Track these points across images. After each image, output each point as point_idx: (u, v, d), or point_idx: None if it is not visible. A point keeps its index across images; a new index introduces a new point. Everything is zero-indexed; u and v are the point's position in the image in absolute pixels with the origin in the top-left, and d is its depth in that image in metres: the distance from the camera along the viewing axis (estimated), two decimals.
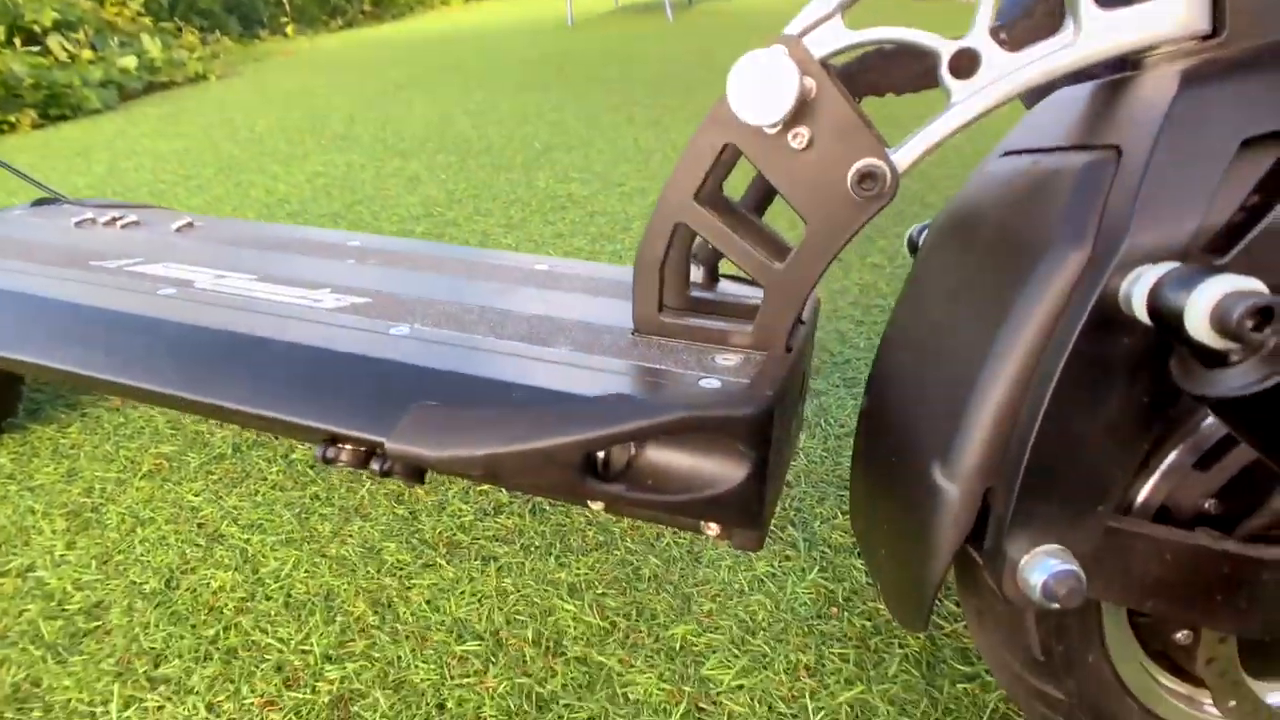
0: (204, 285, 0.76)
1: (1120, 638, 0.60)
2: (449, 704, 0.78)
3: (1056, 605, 0.47)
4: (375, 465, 0.56)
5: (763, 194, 0.67)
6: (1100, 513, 0.48)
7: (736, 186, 0.65)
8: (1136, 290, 0.40)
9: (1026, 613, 0.57)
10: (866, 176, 0.51)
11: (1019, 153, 0.57)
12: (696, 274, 0.75)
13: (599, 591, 0.90)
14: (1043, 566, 0.48)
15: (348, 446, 0.59)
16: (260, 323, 0.66)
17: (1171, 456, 0.52)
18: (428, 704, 0.78)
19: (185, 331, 0.64)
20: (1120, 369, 0.44)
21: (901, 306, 0.65)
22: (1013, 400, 0.48)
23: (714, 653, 0.82)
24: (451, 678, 0.80)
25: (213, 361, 0.62)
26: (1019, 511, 0.48)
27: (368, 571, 0.95)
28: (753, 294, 0.71)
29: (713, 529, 0.57)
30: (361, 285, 0.78)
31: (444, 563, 0.96)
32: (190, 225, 0.99)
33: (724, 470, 0.54)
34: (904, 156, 0.53)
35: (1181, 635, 0.60)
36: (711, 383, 0.58)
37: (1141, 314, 0.40)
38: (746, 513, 0.54)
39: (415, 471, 0.60)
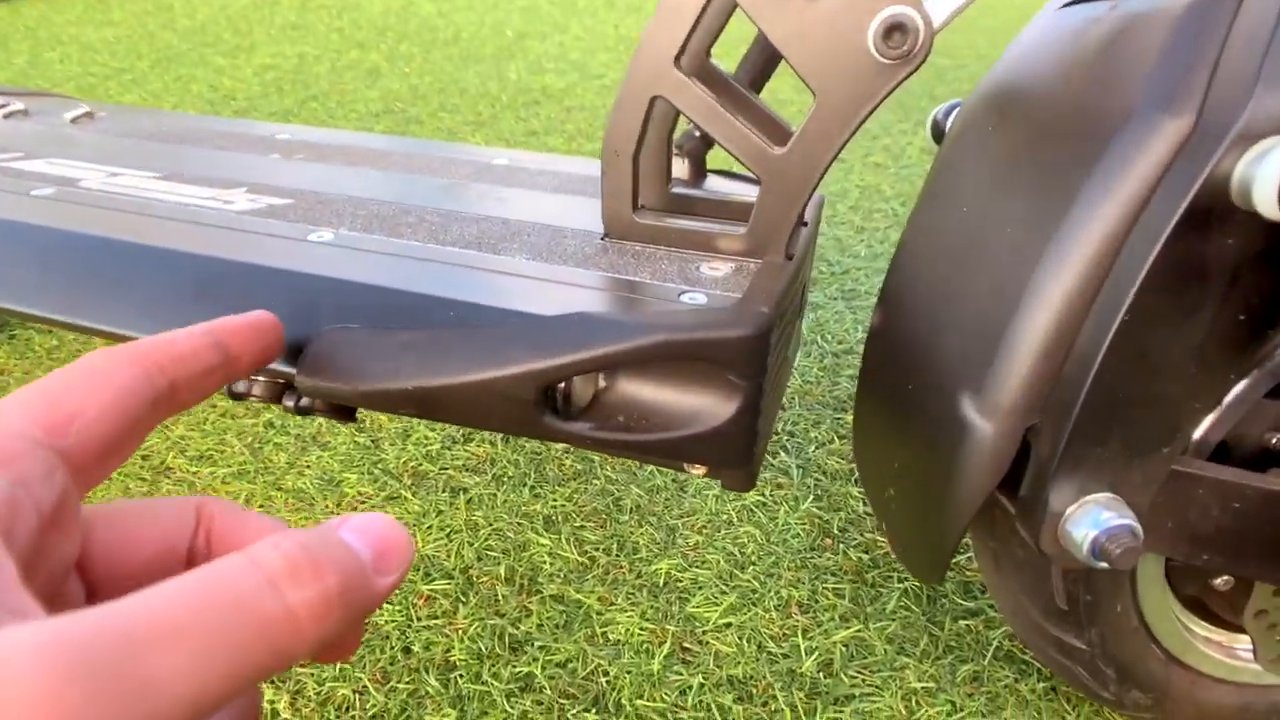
0: (91, 185, 0.64)
1: (1153, 585, 0.54)
2: (415, 647, 0.72)
3: (1105, 565, 0.40)
4: (289, 402, 0.47)
5: (761, 63, 0.55)
6: (1165, 455, 0.40)
7: (728, 59, 0.53)
8: (1262, 173, 0.30)
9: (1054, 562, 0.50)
10: (894, 29, 0.40)
11: None
12: (680, 168, 0.64)
13: (577, 524, 0.84)
14: (1092, 520, 0.40)
15: (259, 379, 0.49)
16: (150, 228, 0.55)
17: (1241, 386, 0.44)
18: (393, 647, 0.72)
19: (54, 239, 0.53)
20: (1219, 277, 0.35)
21: (924, 205, 0.54)
22: (1070, 319, 0.39)
23: (700, 589, 0.76)
24: (418, 619, 0.74)
25: (86, 276, 0.51)
26: (1069, 455, 0.39)
27: (327, 505, 0.87)
28: (746, 190, 0.60)
29: (697, 469, 0.48)
30: (284, 184, 0.65)
31: (409, 495, 0.89)
32: (89, 116, 0.85)
33: (710, 404, 0.44)
34: (940, 6, 0.42)
35: (1220, 582, 0.53)
36: (696, 297, 0.47)
37: (1266, 205, 0.30)
38: (736, 452, 0.44)
39: (341, 408, 0.50)
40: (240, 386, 0.50)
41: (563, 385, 0.44)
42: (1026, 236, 0.41)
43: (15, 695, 0.12)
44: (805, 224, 0.56)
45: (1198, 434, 0.44)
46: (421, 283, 0.47)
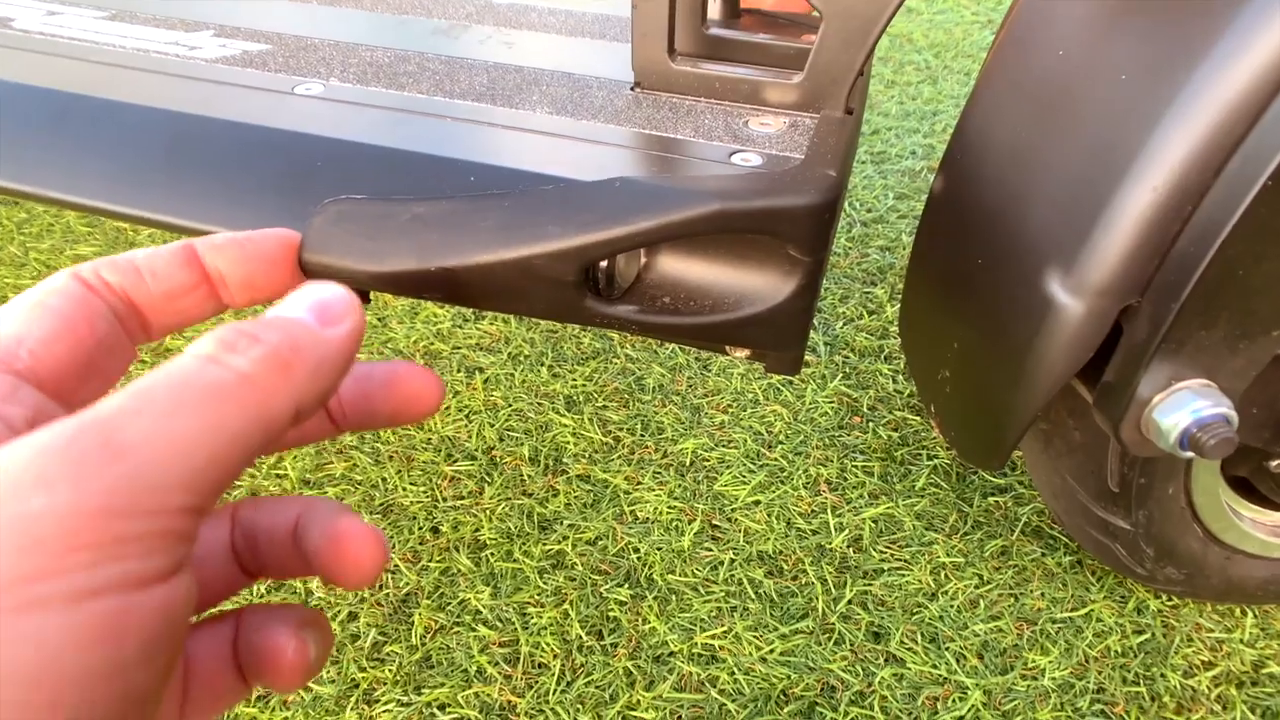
0: (26, 26, 0.55)
1: (1205, 468, 0.52)
2: (443, 527, 0.72)
3: (1192, 455, 0.37)
4: None
5: None
6: (1275, 338, 0.37)
7: None
8: None
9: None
10: None
11: None
12: (714, 6, 0.56)
13: (599, 404, 0.82)
14: (1184, 408, 0.37)
15: None
16: (105, 79, 0.48)
17: None
18: (420, 528, 0.72)
19: None
20: None
21: (1003, 50, 0.47)
22: (1192, 185, 0.34)
23: (727, 468, 0.75)
24: (444, 499, 0.74)
25: (30, 135, 0.44)
26: (1170, 338, 0.36)
27: None
28: (788, 33, 0.52)
29: (742, 352, 0.44)
30: (259, 26, 0.57)
31: None
32: None
33: (766, 282, 0.39)
34: None
35: (1276, 464, 0.52)
36: (749, 158, 0.42)
37: None
38: (792, 335, 0.40)
39: (358, 291, 0.45)
40: None
41: (605, 264, 0.39)
42: (1144, 86, 0.35)
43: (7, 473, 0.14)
44: (862, 74, 0.49)
45: None
46: (432, 143, 0.41)
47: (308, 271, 0.38)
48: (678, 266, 0.40)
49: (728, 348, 0.45)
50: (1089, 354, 0.39)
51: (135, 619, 0.14)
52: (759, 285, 0.39)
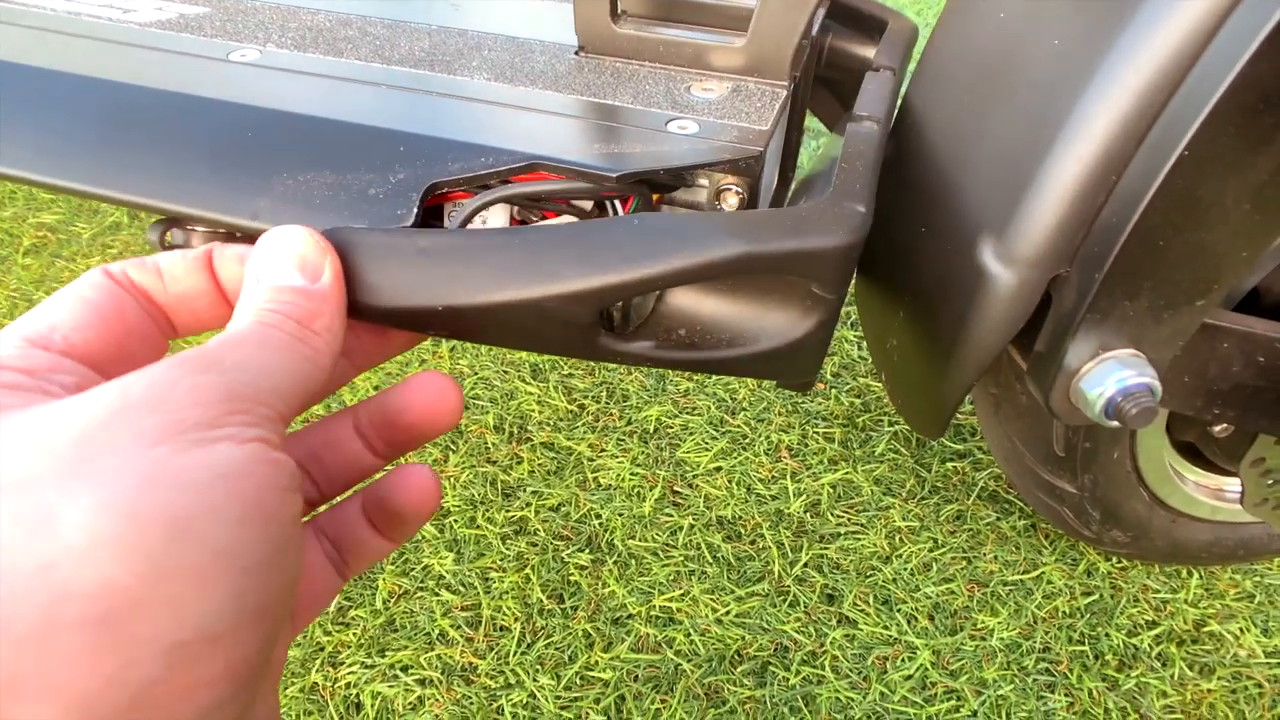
0: None
1: (1151, 434, 0.53)
2: None
3: (1116, 424, 0.38)
4: None
5: None
6: (1199, 308, 0.37)
7: None
8: None
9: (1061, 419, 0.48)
10: None
11: None
12: None
13: (564, 373, 0.82)
14: (1109, 377, 0.37)
15: (197, 229, 0.43)
16: (31, 44, 0.47)
17: None
18: None
19: None
20: None
21: (945, 24, 0.46)
22: (1116, 155, 0.34)
23: (690, 435, 0.76)
24: None
25: None
26: (1095, 308, 0.36)
27: None
28: None
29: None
30: None
31: None
32: None
33: (787, 318, 0.36)
34: None
35: (1220, 430, 0.52)
36: (685, 125, 0.41)
37: None
38: (810, 366, 0.38)
39: None
40: (176, 238, 0.44)
41: (620, 303, 0.37)
42: (1074, 52, 0.35)
43: (142, 385, 0.18)
44: (807, 38, 0.48)
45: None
46: (365, 113, 0.41)
47: None
48: (694, 301, 0.38)
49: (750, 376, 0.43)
50: (1020, 324, 0.39)
51: (278, 458, 0.19)
52: (779, 320, 0.37)
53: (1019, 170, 0.37)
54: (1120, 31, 0.33)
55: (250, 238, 0.43)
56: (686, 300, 0.38)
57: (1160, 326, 0.37)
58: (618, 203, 0.41)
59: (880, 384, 0.80)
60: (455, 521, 0.70)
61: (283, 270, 0.24)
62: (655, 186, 0.40)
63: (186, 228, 0.44)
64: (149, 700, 0.15)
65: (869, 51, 0.54)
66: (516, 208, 0.41)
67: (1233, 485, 0.57)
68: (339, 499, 0.29)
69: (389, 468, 0.29)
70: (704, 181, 0.42)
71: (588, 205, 0.42)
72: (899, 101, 0.48)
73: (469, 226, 0.38)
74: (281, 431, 0.20)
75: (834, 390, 0.79)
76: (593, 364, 0.83)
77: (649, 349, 0.36)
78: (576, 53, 0.48)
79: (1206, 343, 0.39)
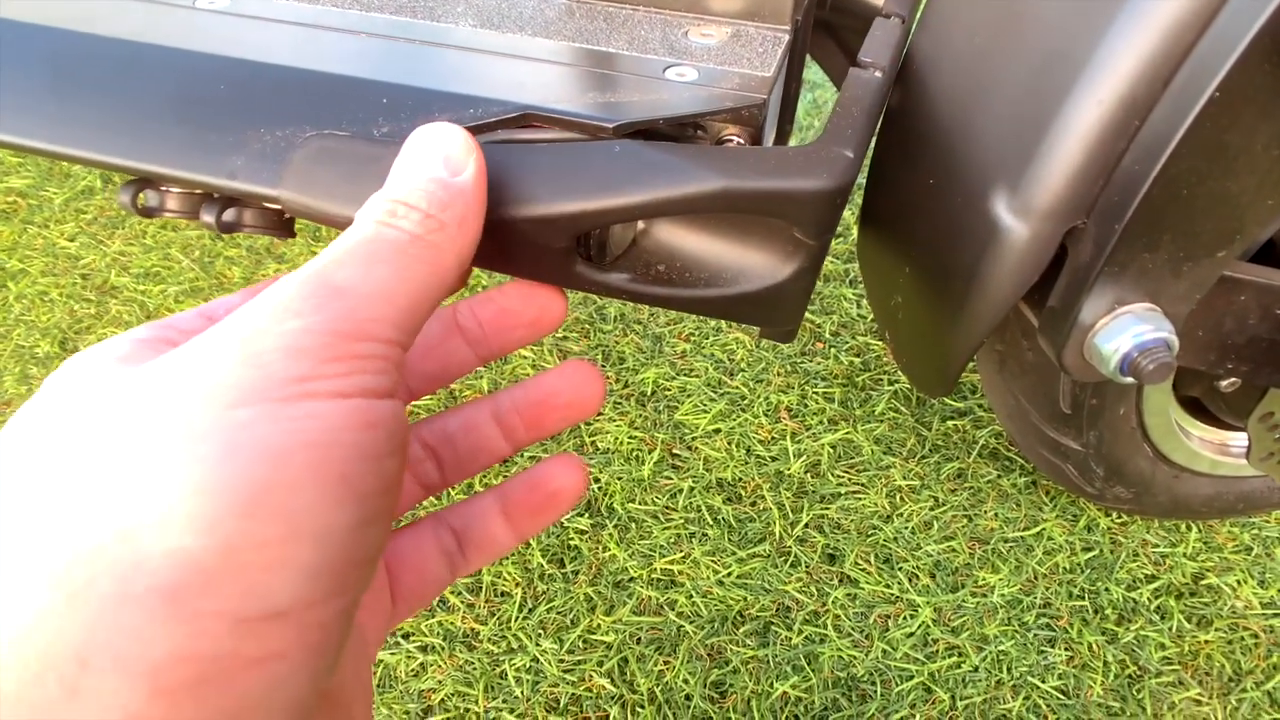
0: None
1: (1157, 389, 0.52)
2: None
3: (1132, 380, 0.37)
4: (208, 216, 0.40)
5: None
6: (1220, 259, 0.35)
7: None
8: None
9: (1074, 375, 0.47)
10: None
11: None
12: None
13: (559, 335, 0.80)
14: (1125, 332, 0.36)
15: (172, 190, 0.41)
16: None
17: None
18: None
19: None
20: None
21: None
22: (1139, 101, 0.32)
23: (688, 397, 0.75)
24: None
25: None
26: (1113, 261, 0.34)
27: None
28: None
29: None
30: None
31: None
32: None
33: (767, 260, 0.36)
34: None
35: (1226, 384, 0.52)
36: (684, 72, 0.39)
37: None
38: (789, 312, 0.37)
39: (281, 221, 0.43)
40: (151, 200, 0.42)
41: (598, 230, 0.36)
42: (1084, 5, 0.33)
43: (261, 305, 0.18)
44: None
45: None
46: (343, 62, 0.38)
47: (288, 209, 0.35)
48: (675, 235, 0.37)
49: (727, 319, 0.43)
50: (1034, 278, 0.38)
51: (379, 416, 0.18)
52: (759, 262, 0.36)
53: (1035, 116, 0.35)
54: None
55: (236, 201, 0.41)
56: (667, 235, 0.36)
57: (1179, 280, 0.36)
58: None
59: (881, 342, 0.79)
60: (453, 489, 0.69)
61: (422, 162, 0.23)
62: (654, 136, 0.39)
63: (160, 188, 0.42)
64: (217, 673, 0.15)
65: None
66: None
67: (1236, 440, 0.57)
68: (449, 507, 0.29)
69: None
70: (702, 131, 0.40)
71: None
72: (909, 43, 0.46)
73: None
74: (395, 363, 0.19)
75: (833, 349, 0.78)
76: (587, 326, 0.81)
77: (625, 281, 0.35)
78: None
79: (1223, 296, 0.38)
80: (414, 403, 0.31)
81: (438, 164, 0.23)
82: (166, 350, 0.19)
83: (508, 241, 0.32)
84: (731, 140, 0.39)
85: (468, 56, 0.40)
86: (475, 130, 0.36)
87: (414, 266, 0.20)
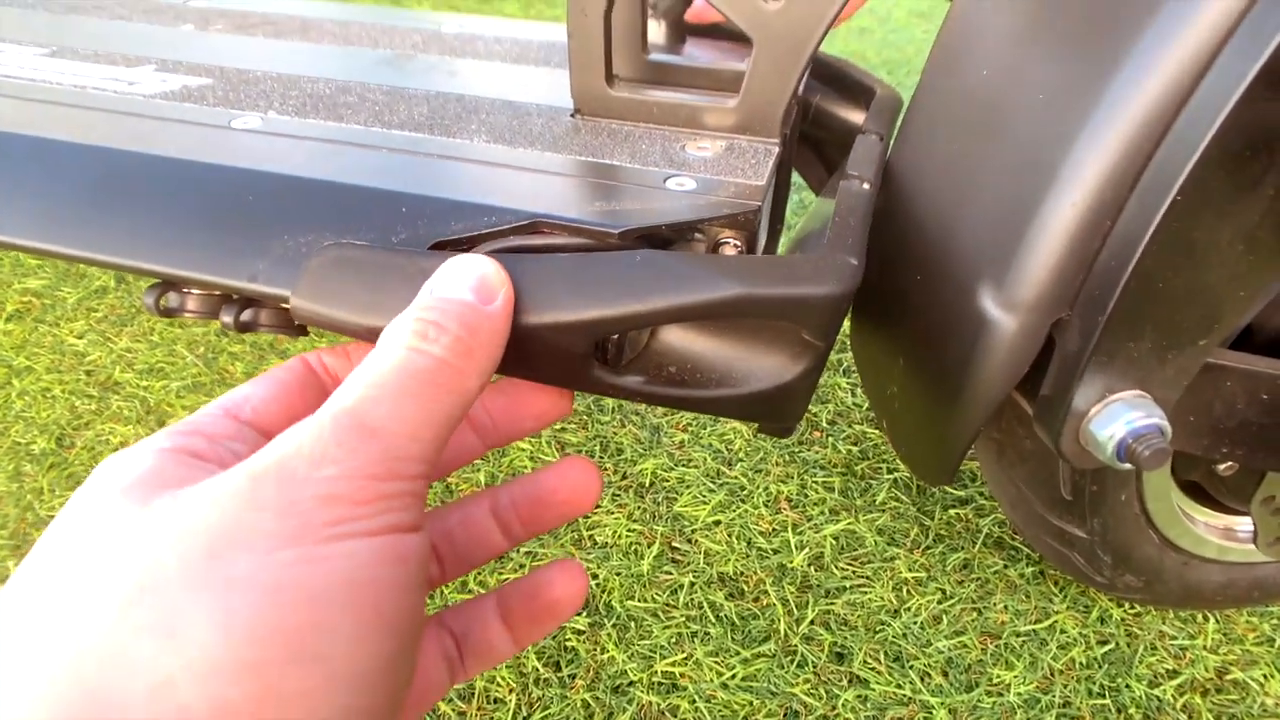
0: None
1: (1157, 474, 0.52)
2: None
3: (1129, 467, 0.37)
4: (227, 317, 0.41)
5: None
6: (1202, 347, 0.37)
7: None
8: None
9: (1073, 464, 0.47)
10: None
11: None
12: (656, 31, 0.56)
13: (557, 428, 0.81)
14: (1118, 419, 0.37)
15: (193, 292, 0.43)
16: (37, 116, 0.47)
17: None
18: None
19: None
20: None
21: (935, 68, 0.47)
22: (1109, 200, 0.34)
23: (687, 488, 0.74)
24: None
25: None
26: (1099, 351, 0.36)
27: None
28: (734, 56, 0.52)
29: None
30: (199, 60, 0.56)
31: None
32: None
33: (775, 361, 0.37)
34: None
35: (1225, 468, 0.52)
36: (683, 182, 0.42)
37: None
38: (795, 410, 0.38)
39: (295, 323, 0.45)
40: (172, 301, 0.44)
41: (617, 335, 0.37)
42: (1062, 103, 0.36)
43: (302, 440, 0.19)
44: (797, 96, 0.49)
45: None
46: (366, 174, 0.41)
47: (298, 317, 0.35)
48: (686, 339, 0.38)
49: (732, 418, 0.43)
50: (1024, 368, 0.39)
51: (409, 549, 0.19)
52: (768, 363, 0.37)
53: (1014, 217, 0.37)
54: (1108, 82, 0.33)
55: (255, 302, 0.43)
56: (679, 338, 0.38)
57: (1165, 367, 0.37)
58: None
59: (878, 431, 0.79)
60: (445, 587, 0.68)
61: (456, 284, 0.24)
62: (656, 242, 0.40)
63: (183, 290, 0.44)
64: None
65: (854, 115, 0.55)
66: None
67: (1242, 524, 0.56)
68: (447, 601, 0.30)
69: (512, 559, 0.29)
70: (700, 236, 0.42)
71: None
72: (890, 153, 0.49)
73: None
74: (420, 497, 0.20)
75: (830, 438, 0.79)
76: (585, 418, 0.81)
77: (640, 383, 0.36)
78: (572, 115, 0.49)
79: (1210, 382, 0.39)
80: None
81: (470, 290, 0.24)
82: (193, 464, 0.20)
83: (529, 348, 0.32)
84: (728, 244, 0.41)
85: (482, 169, 0.43)
86: (489, 237, 0.38)
87: (441, 397, 0.21)
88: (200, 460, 0.20)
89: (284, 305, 0.43)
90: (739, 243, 0.41)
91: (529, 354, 0.33)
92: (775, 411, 0.37)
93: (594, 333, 0.32)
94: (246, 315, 0.42)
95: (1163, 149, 0.32)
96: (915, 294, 0.45)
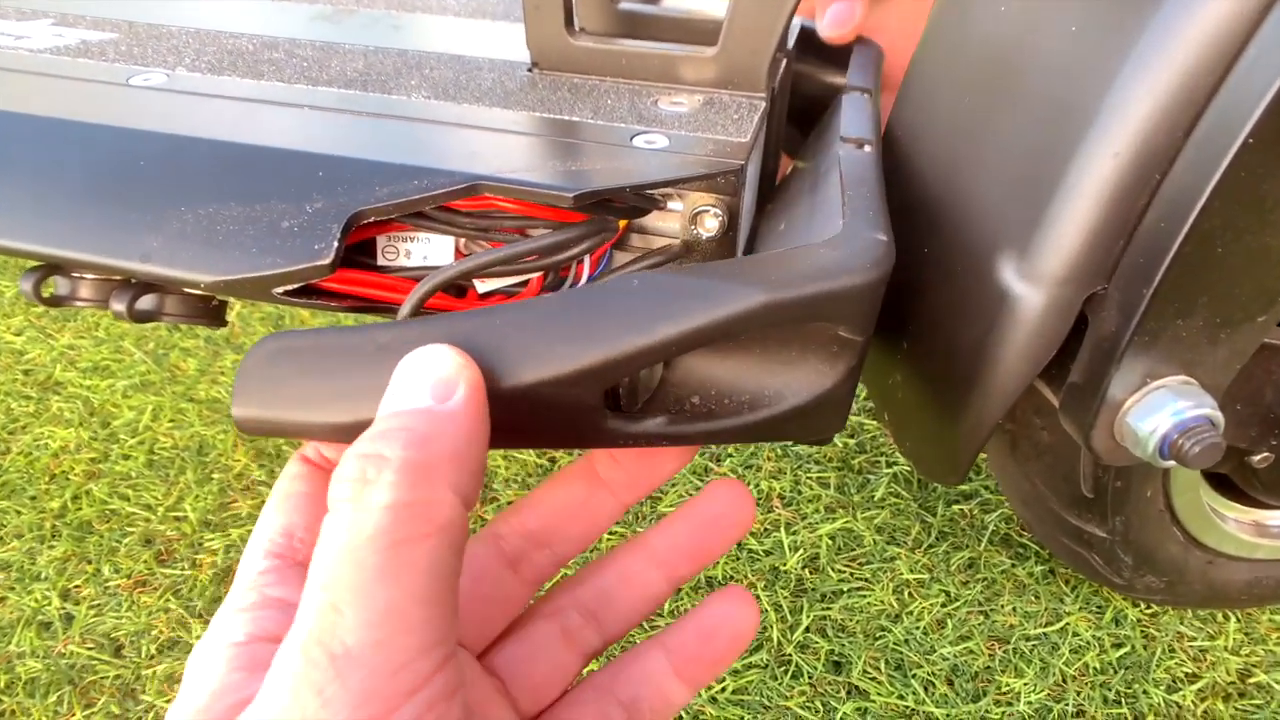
0: None
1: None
2: None
3: (1172, 464, 0.32)
4: (119, 305, 0.35)
5: None
6: (1260, 325, 0.32)
7: None
8: None
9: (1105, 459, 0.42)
10: None
11: None
12: None
13: None
14: (1162, 409, 0.32)
15: (86, 277, 0.37)
16: None
17: None
18: None
19: None
20: None
21: (933, 31, 0.42)
22: (1158, 152, 0.29)
23: (673, 486, 0.69)
24: None
25: None
26: (1143, 329, 0.30)
27: None
28: (714, 6, 0.47)
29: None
30: (108, 14, 0.50)
31: None
32: None
33: (811, 368, 0.32)
34: None
35: (1260, 459, 0.47)
36: (654, 139, 0.36)
37: None
38: (836, 417, 0.33)
39: (209, 309, 0.39)
40: (60, 287, 0.38)
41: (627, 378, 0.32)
42: (1099, 31, 0.30)
43: None
44: (783, 49, 0.43)
45: None
46: (278, 135, 0.35)
47: (243, 429, 0.29)
48: (703, 363, 0.32)
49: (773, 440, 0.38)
50: (1052, 351, 0.33)
51: None
52: (802, 373, 0.31)
53: (1041, 173, 0.32)
54: (1153, 12, 0.28)
55: (151, 285, 0.37)
56: (697, 365, 0.32)
57: (1216, 348, 0.32)
58: (587, 260, 0.35)
59: (876, 423, 0.74)
60: None
61: (402, 392, 0.20)
62: (621, 211, 0.35)
63: (71, 275, 0.38)
64: None
65: (832, 75, 0.50)
66: (463, 240, 0.35)
67: (1273, 519, 0.52)
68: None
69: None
70: (677, 205, 0.36)
71: (539, 232, 0.36)
72: (890, 113, 0.44)
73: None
74: (451, 673, 0.16)
75: None
76: None
77: (662, 425, 0.29)
78: (529, 69, 0.43)
79: (1264, 365, 0.34)
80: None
81: (423, 393, 0.19)
82: (263, 663, 0.17)
83: (529, 413, 0.27)
84: (707, 212, 0.36)
85: (416, 128, 0.37)
86: (419, 203, 0.32)
87: (411, 555, 0.16)
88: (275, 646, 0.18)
89: (189, 290, 0.37)
90: (719, 210, 0.36)
91: (530, 420, 0.27)
92: (819, 424, 0.32)
93: (601, 380, 0.27)
94: (145, 303, 0.36)
95: (1230, 81, 0.26)
96: (922, 269, 0.40)
